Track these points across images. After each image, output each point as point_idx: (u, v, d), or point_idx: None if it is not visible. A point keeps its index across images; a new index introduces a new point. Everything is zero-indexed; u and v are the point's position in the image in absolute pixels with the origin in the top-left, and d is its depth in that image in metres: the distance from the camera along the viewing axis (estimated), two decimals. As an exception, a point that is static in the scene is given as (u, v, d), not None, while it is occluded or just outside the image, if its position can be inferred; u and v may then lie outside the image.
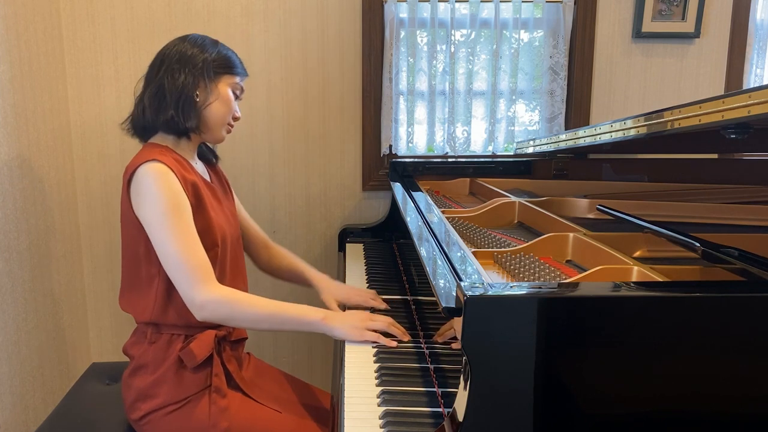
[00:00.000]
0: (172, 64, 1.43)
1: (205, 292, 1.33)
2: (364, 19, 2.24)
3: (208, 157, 1.62)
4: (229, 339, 1.48)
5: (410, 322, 1.46)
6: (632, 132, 1.29)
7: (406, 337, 1.35)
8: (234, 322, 1.40)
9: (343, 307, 1.56)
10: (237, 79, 1.49)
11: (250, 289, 2.32)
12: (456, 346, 1.29)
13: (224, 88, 1.47)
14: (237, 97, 1.51)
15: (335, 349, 1.45)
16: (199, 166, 1.54)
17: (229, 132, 1.52)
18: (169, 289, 1.40)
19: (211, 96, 1.45)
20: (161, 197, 1.33)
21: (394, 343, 1.32)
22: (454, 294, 0.96)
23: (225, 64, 1.47)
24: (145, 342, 1.43)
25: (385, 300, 1.59)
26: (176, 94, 1.41)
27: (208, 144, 1.61)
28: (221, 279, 1.46)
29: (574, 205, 1.72)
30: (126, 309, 1.46)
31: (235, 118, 1.51)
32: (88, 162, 2.24)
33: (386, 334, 1.35)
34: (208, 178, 1.54)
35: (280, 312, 1.37)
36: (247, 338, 1.56)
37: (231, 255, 1.51)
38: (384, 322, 1.36)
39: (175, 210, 1.34)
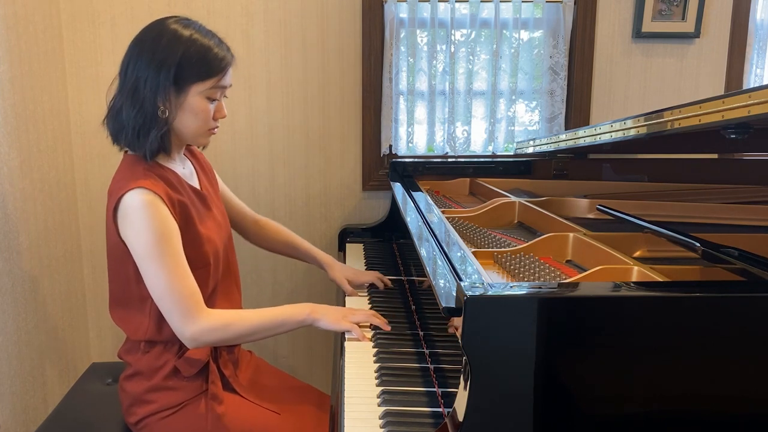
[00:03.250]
0: (133, 85, 1.29)
1: (194, 325, 1.30)
2: (364, 19, 2.24)
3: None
4: (226, 343, 1.47)
5: (410, 322, 1.46)
6: (632, 132, 1.29)
7: (387, 328, 1.39)
8: (229, 342, 1.38)
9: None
10: (211, 84, 1.31)
11: (252, 289, 2.33)
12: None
13: (194, 99, 1.31)
14: (215, 100, 1.35)
15: (335, 349, 1.46)
16: (187, 168, 1.47)
17: (212, 134, 1.39)
18: None
19: (178, 111, 1.31)
20: (149, 229, 1.27)
21: (364, 338, 1.36)
22: (454, 294, 0.96)
23: (195, 71, 1.29)
24: (139, 352, 1.41)
25: (384, 300, 1.59)
26: (134, 118, 1.29)
27: None
28: (214, 290, 1.44)
29: (574, 205, 1.73)
30: (118, 324, 1.42)
31: (218, 118, 1.37)
32: (88, 162, 2.24)
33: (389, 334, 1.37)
34: (196, 181, 1.48)
35: (269, 319, 1.37)
36: None
37: (223, 263, 1.48)
38: (364, 315, 1.40)
39: (163, 241, 1.28)
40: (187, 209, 1.37)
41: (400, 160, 2.21)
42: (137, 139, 1.31)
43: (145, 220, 1.27)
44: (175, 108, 1.31)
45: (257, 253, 2.22)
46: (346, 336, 1.38)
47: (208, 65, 1.31)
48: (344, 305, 1.58)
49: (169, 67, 1.28)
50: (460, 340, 0.89)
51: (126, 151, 1.40)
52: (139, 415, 1.39)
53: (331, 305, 1.45)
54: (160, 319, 1.36)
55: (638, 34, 2.32)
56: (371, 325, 1.40)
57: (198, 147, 1.54)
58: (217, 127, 1.39)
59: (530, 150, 2.09)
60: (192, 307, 1.30)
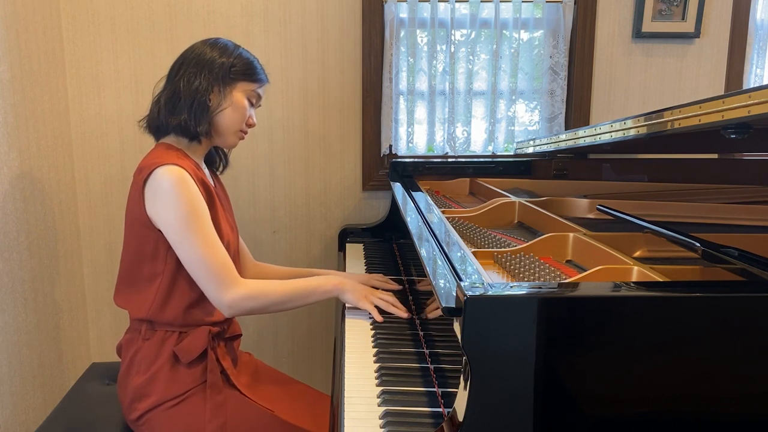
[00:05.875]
0: (190, 67, 1.44)
1: (231, 292, 1.37)
2: (364, 19, 2.24)
3: (216, 164, 1.63)
4: (224, 335, 1.49)
5: (410, 321, 1.46)
6: (632, 132, 1.29)
7: (405, 315, 1.43)
8: (263, 311, 1.44)
9: None
10: (253, 87, 1.49)
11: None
12: (434, 315, 1.41)
13: (238, 94, 1.47)
14: (253, 105, 1.51)
15: (335, 349, 1.46)
16: (206, 171, 1.55)
17: (242, 138, 1.53)
18: (171, 288, 1.41)
19: (224, 102, 1.45)
20: (181, 202, 1.34)
21: (380, 318, 1.42)
22: (454, 294, 0.96)
23: (242, 71, 1.47)
24: (139, 339, 1.44)
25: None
26: (190, 97, 1.42)
27: (224, 150, 1.63)
28: None
29: (574, 205, 1.72)
30: (121, 305, 1.47)
31: (250, 125, 1.52)
32: (88, 162, 2.24)
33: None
34: (212, 184, 1.55)
35: (301, 289, 1.44)
36: (241, 334, 1.57)
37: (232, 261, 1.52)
38: (387, 300, 1.46)
39: (195, 214, 1.35)
40: (211, 194, 1.45)
41: (400, 160, 2.21)
42: (193, 120, 1.42)
43: (178, 194, 1.34)
44: (222, 99, 1.45)
45: (257, 256, 2.23)
46: (347, 318, 1.42)
47: (253, 71, 1.49)
48: (343, 310, 1.58)
49: (222, 65, 1.45)
50: (460, 340, 0.89)
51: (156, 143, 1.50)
52: (141, 410, 1.40)
53: (357, 283, 1.52)
54: (166, 299, 1.41)
55: (638, 34, 2.32)
56: (374, 321, 1.43)
57: (226, 149, 1.62)
58: (246, 132, 1.52)
59: (530, 150, 2.09)
60: (229, 275, 1.38)
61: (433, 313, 1.41)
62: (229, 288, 1.37)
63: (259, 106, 1.55)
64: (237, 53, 1.48)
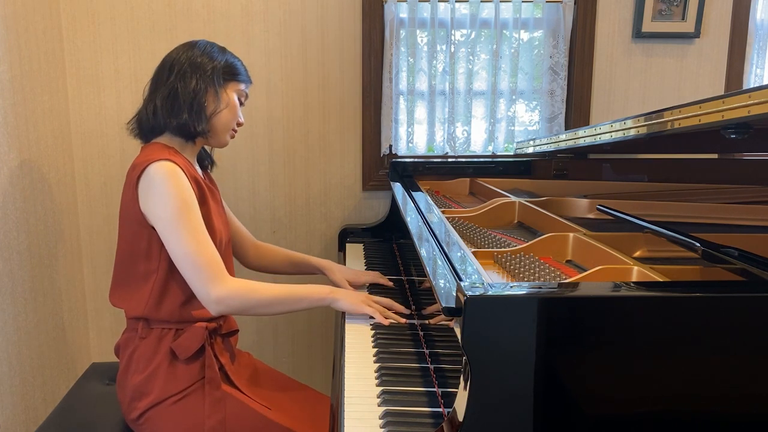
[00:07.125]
0: (184, 69, 1.46)
1: (219, 289, 1.37)
2: (364, 19, 2.24)
3: (204, 162, 1.65)
4: (220, 332, 1.50)
5: (410, 321, 1.46)
6: (632, 132, 1.29)
7: (402, 320, 1.43)
8: (251, 312, 1.43)
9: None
10: (242, 87, 1.54)
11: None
12: (437, 321, 1.40)
13: (231, 94, 1.51)
14: (241, 104, 1.55)
15: (335, 349, 1.46)
16: (198, 169, 1.56)
17: (232, 137, 1.56)
18: (166, 286, 1.42)
19: (220, 103, 1.48)
20: (173, 197, 1.35)
21: (387, 321, 1.40)
22: (454, 294, 0.96)
23: (232, 72, 1.51)
24: (136, 337, 1.44)
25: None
26: (189, 99, 1.44)
27: (207, 149, 1.65)
28: None
29: (574, 205, 1.72)
30: (117, 304, 1.48)
31: (239, 124, 1.55)
32: (88, 162, 2.24)
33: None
34: (204, 181, 1.55)
35: (290, 294, 1.43)
36: (238, 330, 1.57)
37: (224, 258, 1.51)
38: (384, 303, 1.46)
39: (186, 209, 1.36)
40: (203, 189, 1.47)
41: (400, 160, 2.21)
42: (193, 121, 1.44)
43: (170, 188, 1.35)
44: (218, 100, 1.48)
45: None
46: (347, 321, 1.41)
47: (241, 72, 1.54)
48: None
49: (214, 66, 1.48)
50: (460, 340, 0.89)
51: (145, 144, 1.51)
52: (141, 409, 1.41)
53: (350, 290, 1.52)
54: (161, 296, 1.42)
55: (638, 34, 2.32)
56: (374, 321, 1.43)
57: (212, 150, 1.66)
58: (236, 131, 1.56)
59: (530, 150, 2.09)
60: (217, 270, 1.38)
61: (436, 319, 1.41)
62: (216, 283, 1.37)
63: (244, 105, 1.58)
64: (225, 56, 1.51)
